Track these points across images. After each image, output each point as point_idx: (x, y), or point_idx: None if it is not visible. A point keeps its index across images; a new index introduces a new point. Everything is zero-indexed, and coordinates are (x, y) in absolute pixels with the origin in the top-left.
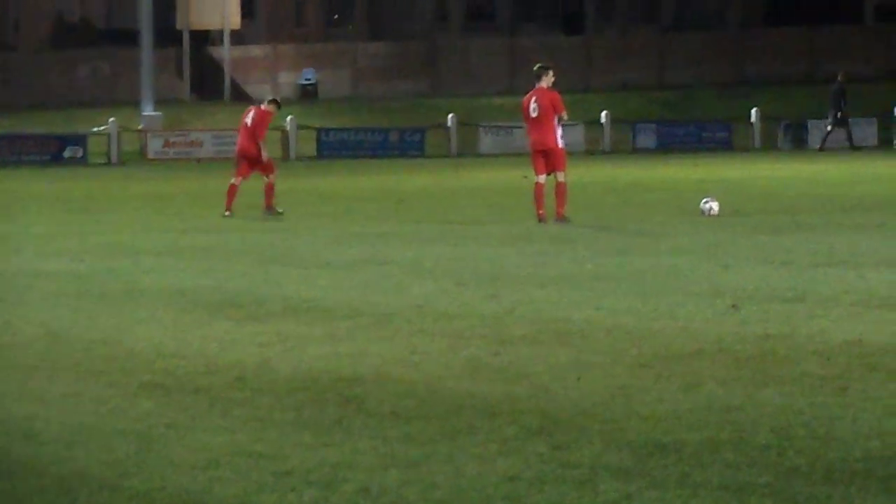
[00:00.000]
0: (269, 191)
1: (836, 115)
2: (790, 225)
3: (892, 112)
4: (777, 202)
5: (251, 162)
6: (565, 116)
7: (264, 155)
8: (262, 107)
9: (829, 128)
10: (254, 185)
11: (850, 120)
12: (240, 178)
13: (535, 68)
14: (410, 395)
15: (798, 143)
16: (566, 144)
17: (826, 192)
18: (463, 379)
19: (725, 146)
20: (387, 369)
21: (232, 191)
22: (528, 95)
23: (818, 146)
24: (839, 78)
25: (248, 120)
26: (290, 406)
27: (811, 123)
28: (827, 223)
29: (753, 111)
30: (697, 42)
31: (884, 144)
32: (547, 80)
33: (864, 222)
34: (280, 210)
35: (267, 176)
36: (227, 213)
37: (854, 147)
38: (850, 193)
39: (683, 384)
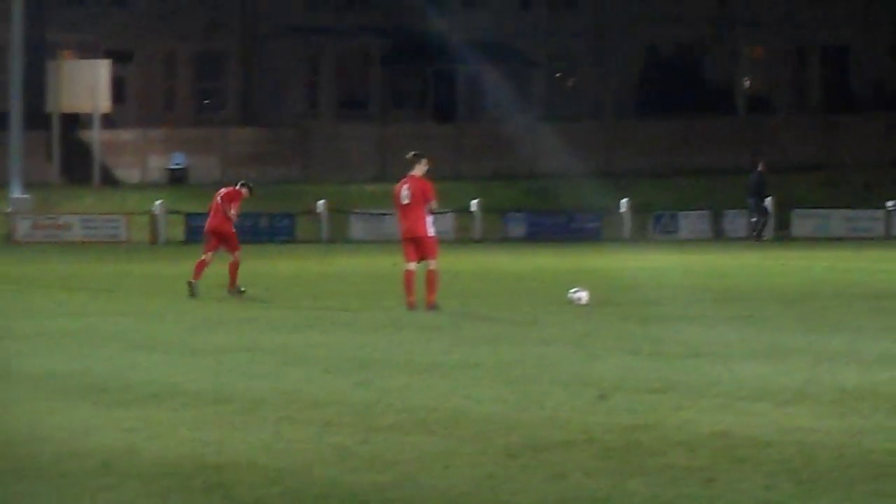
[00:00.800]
0: (234, 269)
1: (758, 203)
2: (659, 315)
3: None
4: (646, 293)
5: (220, 238)
6: (435, 206)
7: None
8: (236, 187)
9: (753, 218)
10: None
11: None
12: (210, 254)
13: (408, 156)
14: (277, 483)
15: (668, 233)
16: (437, 232)
17: (695, 284)
18: (330, 467)
19: (595, 236)
20: (253, 456)
21: (201, 265)
22: (400, 182)
23: (753, 236)
24: (759, 168)
25: (219, 199)
26: (156, 492)
27: (681, 214)
28: (695, 314)
29: (624, 201)
30: (569, 132)
31: (753, 236)
32: (420, 169)
33: (732, 314)
34: (243, 289)
35: (232, 254)
36: (192, 280)
37: (759, 239)
38: (719, 285)
39: (550, 474)
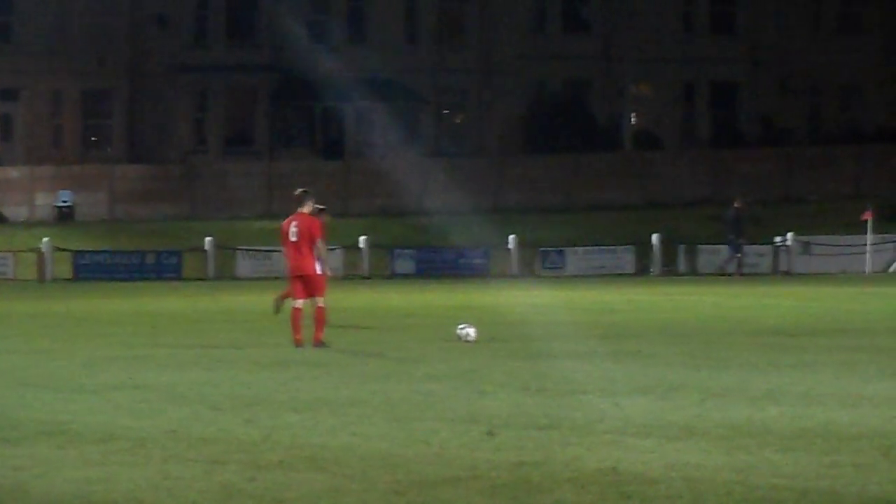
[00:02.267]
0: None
1: (735, 239)
2: (546, 351)
3: (650, 240)
4: (534, 329)
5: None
6: (321, 246)
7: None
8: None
9: (738, 254)
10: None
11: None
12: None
13: (296, 193)
14: None
15: (555, 269)
16: (333, 269)
17: (583, 319)
18: None
19: (483, 272)
20: (140, 495)
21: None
22: (288, 219)
23: (738, 272)
24: (735, 204)
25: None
26: None
27: (568, 250)
28: (583, 350)
29: (511, 237)
30: (457, 168)
31: (641, 272)
32: (308, 207)
33: (620, 350)
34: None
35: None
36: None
37: (742, 274)
38: (607, 321)
39: None
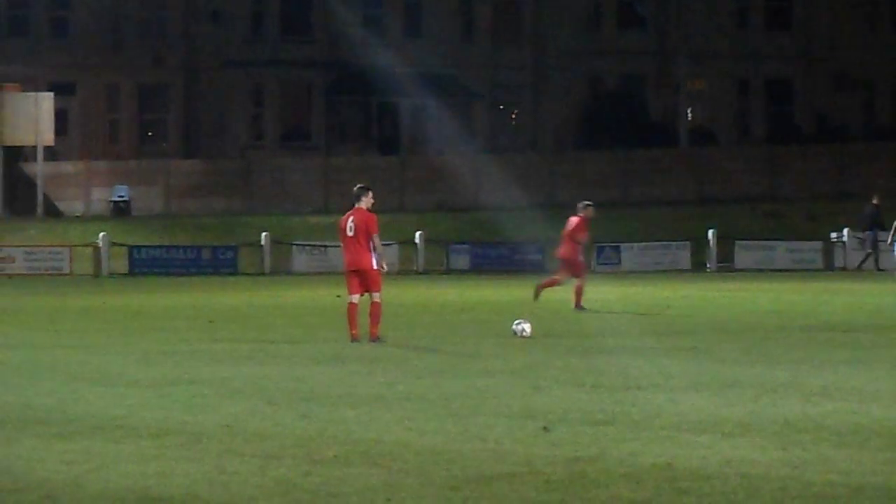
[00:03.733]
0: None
1: (873, 235)
2: (602, 347)
3: (706, 236)
4: (589, 325)
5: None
6: (377, 241)
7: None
8: (578, 216)
9: (869, 251)
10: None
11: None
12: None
13: (354, 189)
14: None
15: (611, 265)
16: (389, 264)
17: (638, 315)
18: (273, 499)
19: (538, 267)
20: (196, 489)
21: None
22: (346, 215)
23: (876, 267)
24: (873, 201)
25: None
26: None
27: (623, 246)
28: (639, 346)
29: None
30: (512, 164)
31: (697, 268)
32: (366, 202)
33: (675, 346)
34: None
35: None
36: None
37: (880, 269)
38: (662, 317)
39: None
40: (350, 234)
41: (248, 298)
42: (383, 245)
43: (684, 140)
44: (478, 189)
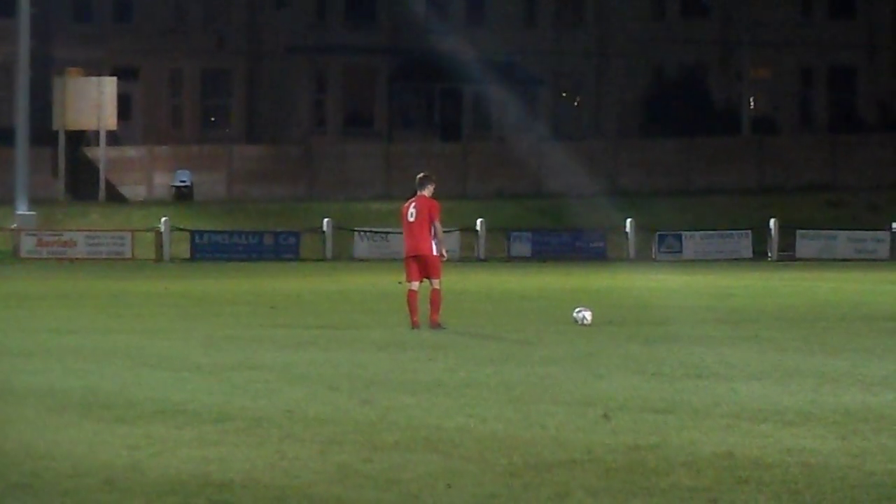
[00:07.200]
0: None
1: None
2: (663, 336)
3: (768, 225)
4: (650, 313)
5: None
6: (439, 227)
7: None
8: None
9: None
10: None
11: None
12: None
13: (418, 177)
14: (280, 501)
15: (673, 253)
16: (450, 251)
17: (699, 304)
18: (333, 485)
19: (600, 255)
20: (256, 474)
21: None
22: (408, 202)
23: None
24: None
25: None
26: None
27: (685, 235)
28: (699, 335)
29: (628, 221)
30: (573, 152)
31: (758, 257)
32: (429, 190)
33: (737, 334)
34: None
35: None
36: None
37: None
38: (723, 305)
39: (553, 494)
40: (411, 219)
41: (309, 284)
42: (444, 232)
43: (747, 128)
44: (540, 176)
